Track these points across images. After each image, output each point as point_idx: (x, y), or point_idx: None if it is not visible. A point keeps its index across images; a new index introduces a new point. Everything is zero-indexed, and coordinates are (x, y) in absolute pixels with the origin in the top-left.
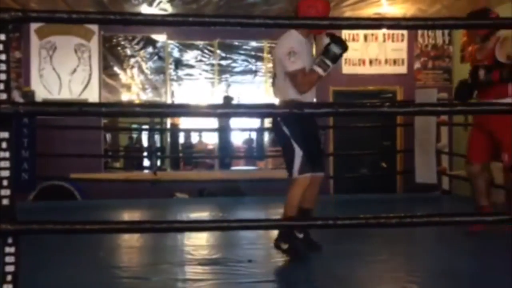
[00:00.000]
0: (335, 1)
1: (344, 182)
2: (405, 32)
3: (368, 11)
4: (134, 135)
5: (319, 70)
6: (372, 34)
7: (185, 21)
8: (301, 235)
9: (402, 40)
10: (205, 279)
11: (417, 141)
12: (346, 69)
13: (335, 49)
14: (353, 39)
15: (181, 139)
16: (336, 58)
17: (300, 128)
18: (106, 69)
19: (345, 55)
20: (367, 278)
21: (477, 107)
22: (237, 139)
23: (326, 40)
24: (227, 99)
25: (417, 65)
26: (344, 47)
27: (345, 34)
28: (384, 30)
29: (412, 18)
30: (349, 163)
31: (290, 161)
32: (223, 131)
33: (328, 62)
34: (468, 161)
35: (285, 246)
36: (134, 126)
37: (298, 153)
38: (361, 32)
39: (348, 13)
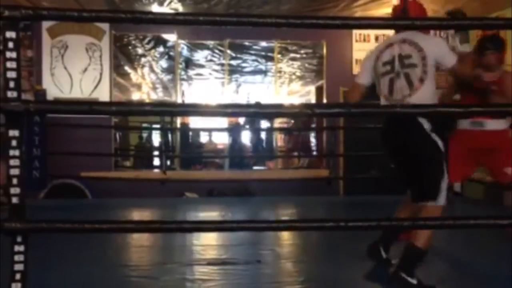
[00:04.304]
0: (346, 1)
1: (355, 183)
2: None
3: (380, 11)
4: (144, 134)
5: None
6: (384, 35)
7: (195, 20)
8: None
9: None
10: (214, 279)
11: None
12: (357, 69)
13: None
14: (364, 40)
15: (191, 138)
16: None
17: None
18: (117, 68)
19: (356, 56)
20: (378, 280)
21: (492, 108)
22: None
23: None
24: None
25: None
26: None
27: (356, 34)
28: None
29: (426, 18)
30: (360, 164)
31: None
32: (239, 131)
33: None
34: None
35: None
36: (145, 125)
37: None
38: (372, 33)
39: (359, 13)
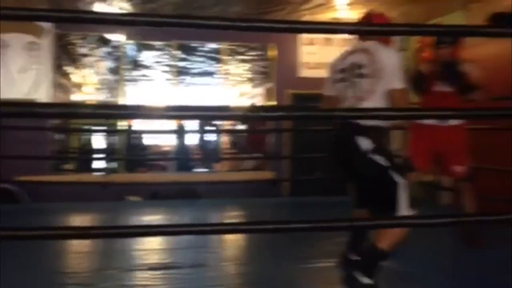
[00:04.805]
0: (294, 5)
1: (300, 185)
2: None
3: (326, 15)
4: (87, 136)
5: None
6: (331, 39)
7: (137, 21)
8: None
9: None
10: (155, 284)
11: None
12: (304, 72)
13: None
14: (312, 43)
15: (136, 140)
16: None
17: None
18: (58, 68)
19: (304, 59)
20: (322, 281)
21: (428, 112)
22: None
23: None
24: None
25: None
26: None
27: (304, 37)
28: (343, 35)
29: (372, 24)
30: (306, 166)
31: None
32: (185, 133)
33: None
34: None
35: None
36: (87, 127)
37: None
38: (319, 36)
39: (307, 17)
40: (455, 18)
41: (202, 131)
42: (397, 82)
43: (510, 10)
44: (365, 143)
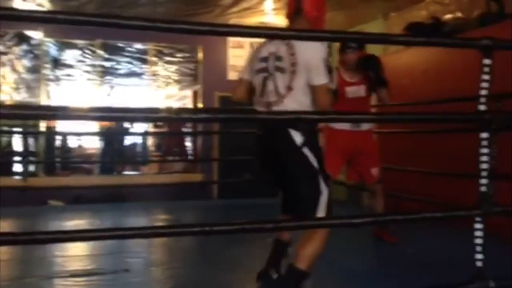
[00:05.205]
0: (221, 8)
1: (229, 187)
2: None
3: (253, 20)
4: (7, 139)
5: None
6: (258, 42)
7: (57, 18)
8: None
9: None
10: None
11: None
12: (232, 75)
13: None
14: (240, 46)
15: (58, 142)
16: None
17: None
18: None
19: (231, 62)
20: (247, 285)
21: (348, 115)
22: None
23: None
24: None
25: None
26: None
27: (231, 40)
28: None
29: (297, 29)
30: (234, 168)
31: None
32: (110, 135)
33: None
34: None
35: None
36: (4, 128)
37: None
38: (247, 40)
39: (233, 20)
40: (376, 26)
41: (128, 133)
42: (318, 78)
43: (426, 21)
44: (298, 136)
